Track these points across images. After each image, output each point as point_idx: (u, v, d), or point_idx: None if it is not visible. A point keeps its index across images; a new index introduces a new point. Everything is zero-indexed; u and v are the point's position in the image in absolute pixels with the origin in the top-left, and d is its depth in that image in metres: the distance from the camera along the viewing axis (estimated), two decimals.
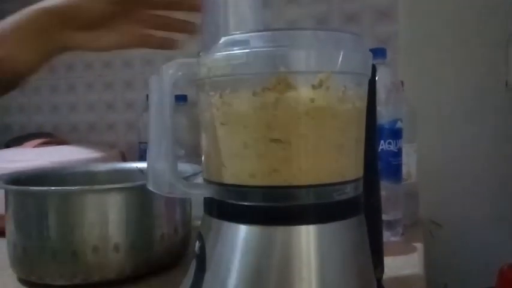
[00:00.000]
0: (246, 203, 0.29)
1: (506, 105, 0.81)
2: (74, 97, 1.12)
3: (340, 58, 0.28)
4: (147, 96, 0.86)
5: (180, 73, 0.30)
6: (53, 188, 0.41)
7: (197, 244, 0.31)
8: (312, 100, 0.28)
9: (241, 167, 0.29)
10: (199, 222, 0.33)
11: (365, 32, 0.87)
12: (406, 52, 0.85)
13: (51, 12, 0.39)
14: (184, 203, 0.49)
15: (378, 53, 0.59)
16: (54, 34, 0.39)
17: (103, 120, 1.10)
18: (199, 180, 0.38)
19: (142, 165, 0.60)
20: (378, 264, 0.36)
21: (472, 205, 0.84)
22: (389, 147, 0.59)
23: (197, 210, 0.52)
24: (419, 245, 0.59)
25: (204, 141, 0.32)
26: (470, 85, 0.83)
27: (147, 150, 0.30)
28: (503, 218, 0.82)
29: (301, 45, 0.28)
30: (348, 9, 0.88)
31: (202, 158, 0.33)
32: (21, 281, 0.44)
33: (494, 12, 0.80)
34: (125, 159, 0.87)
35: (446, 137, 0.85)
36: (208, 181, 0.32)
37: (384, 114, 0.58)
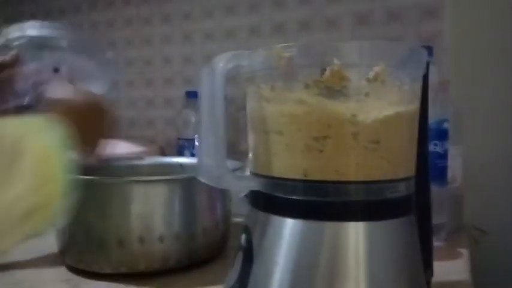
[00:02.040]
0: (294, 197, 0.29)
1: None
2: (116, 94, 1.16)
3: (396, 52, 0.28)
4: (186, 93, 0.88)
5: (231, 65, 0.30)
6: (101, 177, 0.42)
7: (243, 237, 0.31)
8: (367, 94, 0.27)
9: (292, 161, 0.28)
10: (238, 219, 0.33)
11: (409, 31, 0.84)
12: (452, 51, 0.82)
13: None
14: (225, 199, 0.49)
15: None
16: None
17: (143, 116, 1.12)
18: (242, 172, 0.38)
19: (183, 160, 0.62)
20: (428, 267, 0.34)
21: None
22: (435, 148, 0.57)
23: (236, 207, 0.53)
24: (464, 251, 0.56)
25: (251, 134, 0.32)
26: None
27: (198, 142, 0.30)
28: None
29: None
30: (391, 6, 0.86)
31: (250, 152, 0.33)
32: (70, 267, 0.46)
33: None
34: (164, 154, 0.89)
35: (493, 140, 0.81)
36: (256, 174, 0.32)
37: (431, 114, 0.56)
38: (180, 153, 0.83)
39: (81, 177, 0.41)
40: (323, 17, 0.91)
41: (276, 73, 0.29)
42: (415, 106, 0.31)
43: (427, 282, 0.35)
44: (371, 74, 0.27)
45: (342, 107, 0.27)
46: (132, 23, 1.15)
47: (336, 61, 0.27)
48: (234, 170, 0.48)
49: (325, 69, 0.27)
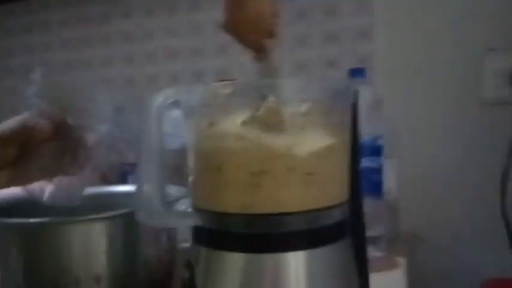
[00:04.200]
0: (235, 231, 0.29)
1: (483, 119, 0.84)
2: None
3: (325, 87, 0.29)
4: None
5: (169, 101, 0.31)
6: (30, 220, 0.39)
7: (186, 273, 0.31)
8: (302, 128, 0.28)
9: (232, 196, 0.29)
10: (184, 245, 0.33)
11: (345, 52, 0.89)
12: (384, 71, 0.87)
13: None
14: (169, 228, 0.49)
15: (358, 72, 0.61)
16: None
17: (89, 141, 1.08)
18: (185, 203, 0.38)
19: (127, 188, 0.60)
20: (364, 285, 0.36)
21: (454, 219, 0.86)
22: (370, 164, 0.60)
23: (183, 232, 0.52)
24: (402, 260, 0.60)
25: (192, 169, 0.32)
26: (447, 101, 0.86)
27: (138, 171, 0.30)
28: (484, 232, 0.84)
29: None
30: (328, 29, 0.90)
31: (190, 185, 0.33)
32: None
33: (467, 31, 0.84)
34: (107, 180, 0.86)
35: (426, 152, 0.87)
36: (197, 209, 0.32)
37: (365, 132, 0.60)
38: (124, 181, 0.81)
39: (7, 220, 0.39)
40: None
41: (214, 109, 0.30)
42: (346, 135, 0.33)
43: None
44: (303, 109, 0.28)
45: (278, 142, 0.28)
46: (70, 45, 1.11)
47: (271, 98, 0.28)
48: (178, 198, 0.48)
49: (260, 106, 0.28)
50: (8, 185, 0.41)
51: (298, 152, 0.28)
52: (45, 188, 0.41)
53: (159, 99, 0.31)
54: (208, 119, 0.30)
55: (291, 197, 0.29)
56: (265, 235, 0.29)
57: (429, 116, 0.87)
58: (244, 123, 0.29)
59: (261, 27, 0.51)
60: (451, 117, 0.86)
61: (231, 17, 0.50)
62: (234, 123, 0.29)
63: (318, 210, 0.30)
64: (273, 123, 0.28)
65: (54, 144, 0.39)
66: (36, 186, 0.41)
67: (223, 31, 0.53)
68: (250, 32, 0.50)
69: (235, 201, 0.29)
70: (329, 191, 0.30)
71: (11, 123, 0.39)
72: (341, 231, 0.32)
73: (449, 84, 0.85)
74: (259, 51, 0.53)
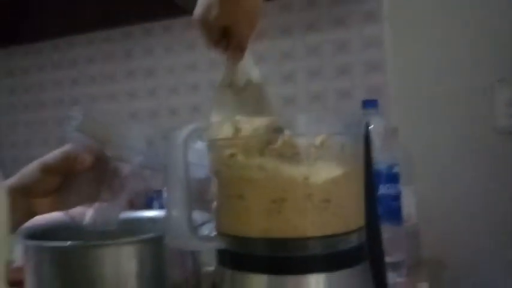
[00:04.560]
0: (258, 254, 0.31)
1: (496, 147, 0.85)
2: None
3: (336, 121, 0.32)
4: None
5: (194, 134, 0.34)
6: (67, 243, 0.42)
7: None
8: (316, 159, 0.31)
9: (253, 222, 0.31)
10: (209, 268, 0.35)
11: (356, 83, 0.92)
12: (397, 100, 0.89)
13: (12, 188, 0.44)
14: (194, 252, 0.50)
15: (370, 104, 0.64)
16: (21, 204, 0.44)
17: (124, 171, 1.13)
18: (209, 227, 0.40)
19: (152, 213, 0.62)
20: None
21: (474, 244, 0.85)
22: (388, 191, 0.61)
23: (207, 256, 0.54)
24: (424, 285, 0.60)
25: (216, 196, 0.35)
26: (461, 129, 0.87)
27: (167, 196, 0.33)
28: (503, 260, 0.83)
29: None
30: (339, 62, 0.94)
31: (215, 211, 0.35)
32: None
33: (479, 60, 0.85)
34: (132, 206, 0.89)
35: (442, 178, 0.88)
36: (221, 233, 0.34)
37: (381, 160, 0.61)
38: (149, 206, 0.84)
39: (46, 243, 0.41)
40: (279, 73, 0.98)
41: (234, 142, 0.33)
42: (359, 163, 0.35)
43: None
44: (317, 141, 0.31)
45: (295, 172, 0.31)
46: (96, 79, 1.17)
47: (286, 132, 0.31)
48: (205, 222, 0.50)
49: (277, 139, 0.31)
50: (50, 210, 0.45)
51: (314, 180, 0.31)
52: (84, 214, 0.44)
53: (185, 132, 0.34)
54: (229, 150, 0.32)
55: (309, 223, 0.31)
56: (285, 258, 0.31)
57: (443, 143, 0.88)
58: (262, 154, 0.31)
59: (253, 22, 0.47)
60: (466, 144, 0.86)
61: (223, 8, 0.45)
62: (252, 154, 0.31)
63: (334, 235, 0.32)
64: (289, 155, 0.31)
65: (92, 174, 0.43)
66: (76, 211, 0.45)
67: (197, 24, 0.48)
68: (242, 25, 0.47)
69: (256, 226, 0.31)
70: (345, 217, 0.32)
71: (55, 154, 0.43)
72: (359, 256, 0.34)
73: (461, 113, 0.87)
74: (242, 49, 0.48)
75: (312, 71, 0.96)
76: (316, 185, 0.31)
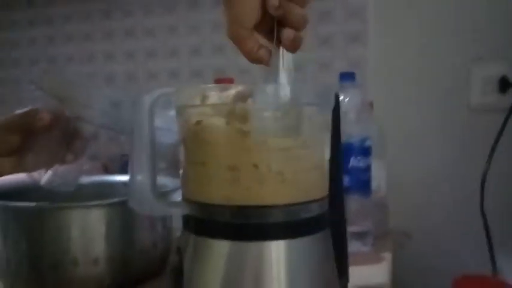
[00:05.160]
0: (222, 220, 0.32)
1: (468, 124, 0.87)
2: None
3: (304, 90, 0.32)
4: None
5: (160, 100, 0.33)
6: (33, 204, 0.43)
7: (176, 258, 0.34)
8: (267, 129, 0.31)
9: (216, 189, 0.32)
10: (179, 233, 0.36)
11: (337, 55, 0.92)
12: (375, 74, 0.90)
13: None
14: (164, 217, 0.51)
15: (348, 76, 0.64)
16: None
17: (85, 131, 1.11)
18: (179, 194, 0.41)
19: (126, 178, 0.62)
20: (343, 274, 0.39)
21: (439, 216, 0.89)
22: (358, 164, 0.63)
23: (179, 221, 0.55)
24: (388, 255, 0.62)
25: (183, 162, 0.35)
26: (436, 105, 0.89)
27: (129, 170, 0.33)
28: (465, 230, 0.87)
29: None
30: (321, 33, 0.93)
31: (181, 178, 0.36)
32: None
33: (457, 37, 0.86)
34: (107, 171, 0.89)
35: (413, 154, 0.90)
36: (186, 199, 0.34)
37: (354, 133, 0.62)
38: (124, 171, 0.84)
39: (13, 203, 0.41)
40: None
41: (201, 110, 0.32)
42: (325, 135, 0.35)
43: (344, 287, 0.39)
44: (278, 113, 0.31)
45: (246, 141, 0.31)
46: (73, 39, 1.13)
47: (249, 101, 0.30)
48: (175, 189, 0.50)
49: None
50: (13, 171, 0.45)
51: (261, 150, 0.31)
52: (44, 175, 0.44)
53: (151, 98, 0.33)
54: (196, 118, 0.32)
55: (268, 192, 0.31)
56: (246, 225, 0.31)
57: (418, 119, 0.90)
58: (227, 123, 0.31)
59: (245, 25, 0.37)
60: (439, 121, 0.88)
61: (226, 21, 0.38)
62: (216, 122, 0.31)
63: (294, 204, 0.32)
64: (241, 123, 0.31)
65: (52, 134, 0.43)
66: (37, 172, 0.44)
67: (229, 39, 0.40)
68: (240, 34, 0.38)
69: (218, 193, 0.31)
70: (305, 187, 0.33)
71: (16, 112, 0.42)
72: (319, 224, 0.35)
73: (438, 90, 0.88)
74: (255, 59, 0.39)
75: None
76: (265, 155, 0.31)
